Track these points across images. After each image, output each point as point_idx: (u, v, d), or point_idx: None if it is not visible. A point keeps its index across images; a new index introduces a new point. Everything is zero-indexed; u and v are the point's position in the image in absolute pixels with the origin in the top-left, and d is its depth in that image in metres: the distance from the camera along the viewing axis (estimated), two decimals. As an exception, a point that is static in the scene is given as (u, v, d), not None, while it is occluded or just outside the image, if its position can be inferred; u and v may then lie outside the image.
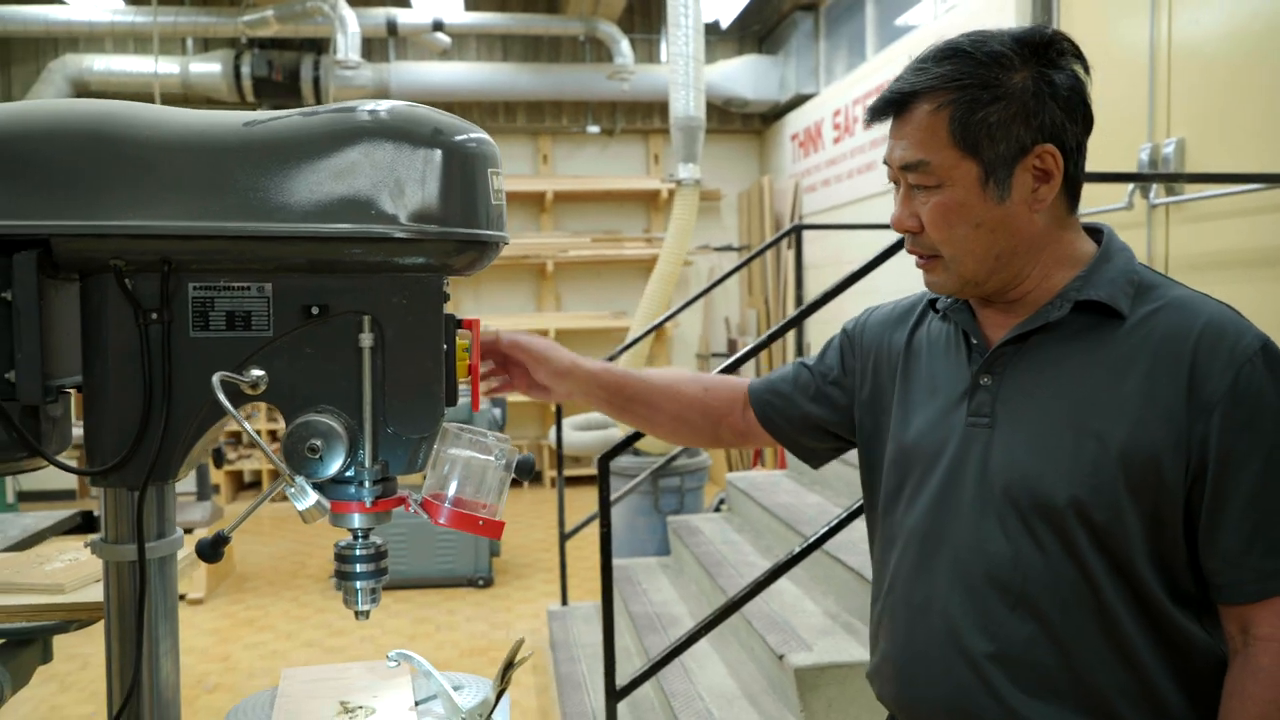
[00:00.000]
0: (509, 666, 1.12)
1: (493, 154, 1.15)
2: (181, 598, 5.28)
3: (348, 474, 1.11)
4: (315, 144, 1.06)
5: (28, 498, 7.05)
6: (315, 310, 1.10)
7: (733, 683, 2.97)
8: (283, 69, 7.66)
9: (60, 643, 2.09)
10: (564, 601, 4.55)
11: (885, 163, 1.17)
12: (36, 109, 1.05)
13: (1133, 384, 1.06)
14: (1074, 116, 1.10)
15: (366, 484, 1.12)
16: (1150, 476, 1.05)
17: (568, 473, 6.93)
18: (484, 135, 1.16)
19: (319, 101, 7.73)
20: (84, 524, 2.95)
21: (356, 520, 1.15)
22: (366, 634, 4.72)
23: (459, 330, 1.19)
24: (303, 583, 5.64)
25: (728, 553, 3.88)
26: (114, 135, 1.04)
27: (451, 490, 1.20)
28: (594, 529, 6.00)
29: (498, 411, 5.64)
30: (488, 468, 1.21)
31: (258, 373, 1.08)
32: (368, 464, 1.11)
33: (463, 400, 1.26)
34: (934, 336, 1.25)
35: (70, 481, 7.35)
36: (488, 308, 8.85)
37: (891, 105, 1.13)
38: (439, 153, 1.08)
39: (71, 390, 1.15)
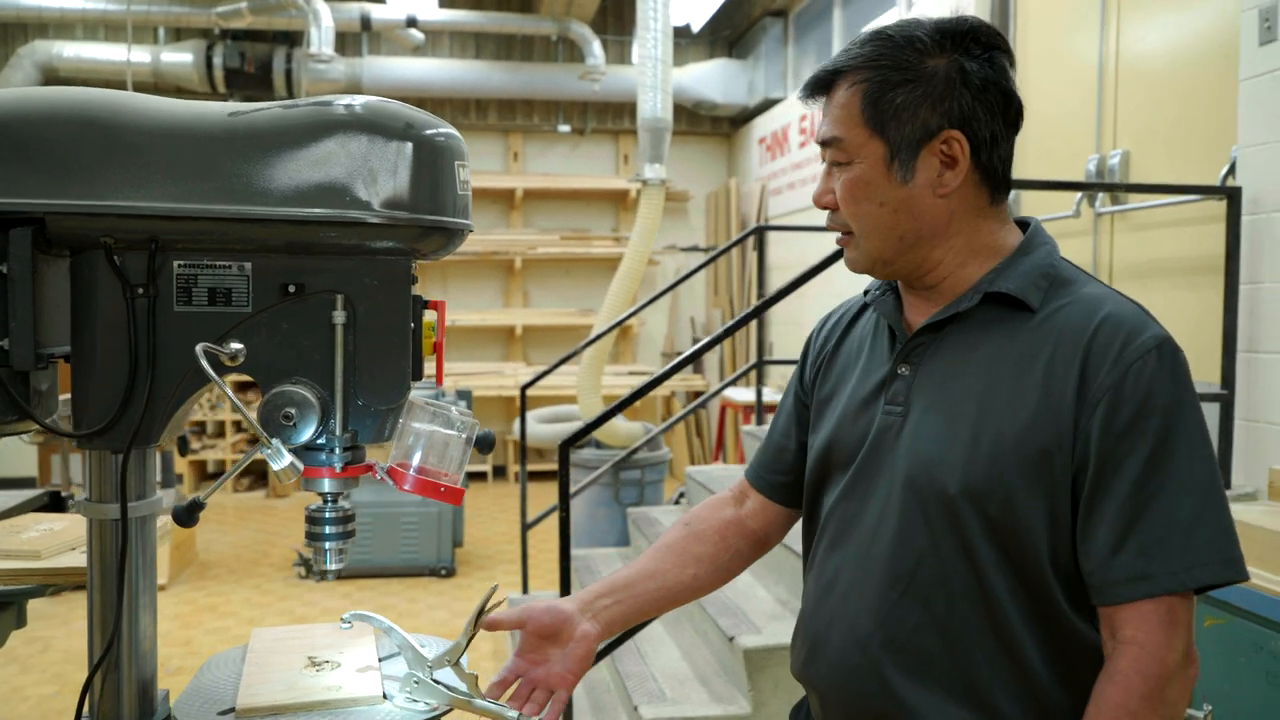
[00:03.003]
0: (480, 613, 1.20)
1: (459, 148, 1.25)
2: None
3: (319, 441, 1.19)
4: (295, 134, 1.14)
5: (-11, 484, 7.01)
6: (292, 289, 1.19)
7: (685, 665, 3.07)
8: (255, 61, 7.67)
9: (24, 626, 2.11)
10: (525, 590, 4.63)
11: (816, 141, 1.20)
12: (35, 95, 1.13)
13: (1033, 377, 1.06)
14: (989, 107, 1.10)
15: (337, 451, 1.21)
16: (1043, 471, 1.04)
17: (531, 466, 7.01)
18: (452, 130, 1.25)
19: (290, 94, 7.75)
20: (51, 504, 3.00)
21: (327, 485, 1.23)
22: (330, 621, 4.78)
23: (425, 310, 1.28)
24: (265, 571, 5.68)
25: (685, 543, 3.98)
26: (108, 122, 1.12)
27: (416, 460, 1.28)
28: (555, 520, 6.09)
29: (462, 404, 5.71)
30: (450, 440, 1.30)
31: (236, 346, 1.16)
32: (338, 432, 1.20)
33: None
34: (864, 329, 1.28)
35: (31, 468, 7.31)
36: (456, 303, 8.90)
37: (819, 84, 1.16)
38: (410, 145, 1.17)
39: (59, 359, 1.23)
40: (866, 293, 1.30)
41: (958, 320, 1.14)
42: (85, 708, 1.21)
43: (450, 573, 5.55)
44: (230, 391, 1.09)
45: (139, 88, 7.50)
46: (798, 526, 1.38)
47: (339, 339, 1.19)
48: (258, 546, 6.27)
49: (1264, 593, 2.17)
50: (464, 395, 5.95)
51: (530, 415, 6.60)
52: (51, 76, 7.58)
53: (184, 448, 2.53)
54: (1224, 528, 1.02)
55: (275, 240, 1.17)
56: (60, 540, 1.75)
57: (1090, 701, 1.04)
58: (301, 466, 1.13)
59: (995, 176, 1.14)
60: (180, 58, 7.67)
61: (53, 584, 1.66)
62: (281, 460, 1.10)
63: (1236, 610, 2.25)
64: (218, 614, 4.88)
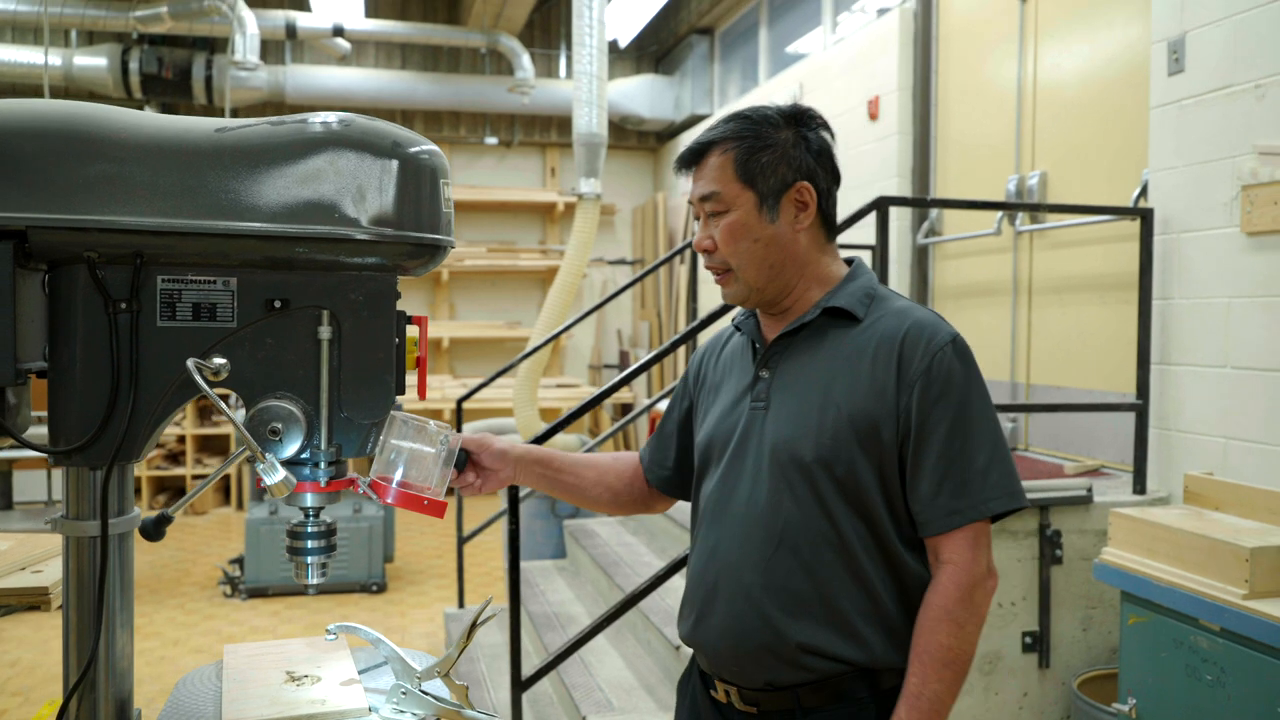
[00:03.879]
0: (474, 625, 1.22)
1: (443, 165, 1.27)
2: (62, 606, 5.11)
3: (303, 455, 1.20)
4: (283, 151, 1.15)
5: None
6: (277, 304, 1.19)
7: (630, 674, 3.10)
8: (173, 67, 7.49)
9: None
10: (460, 604, 4.60)
11: (689, 201, 1.49)
12: (18, 107, 1.11)
13: (862, 369, 1.37)
14: (825, 167, 1.45)
15: (322, 465, 1.21)
16: (874, 438, 1.35)
17: (462, 480, 6.95)
18: (435, 148, 1.27)
19: (210, 101, 7.58)
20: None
21: (309, 499, 1.23)
22: (259, 639, 4.67)
23: (408, 325, 1.30)
24: (188, 590, 5.53)
25: (624, 554, 4.02)
26: (93, 136, 1.11)
27: (398, 474, 1.30)
28: (487, 535, 6.05)
29: (394, 417, 5.65)
30: (429, 453, 1.32)
31: (220, 361, 1.16)
32: (323, 446, 1.21)
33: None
34: (733, 349, 1.57)
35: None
36: (381, 315, 8.78)
37: (692, 155, 1.46)
38: (396, 163, 1.19)
39: (32, 375, 1.21)
40: (734, 321, 1.58)
41: (803, 330, 1.45)
42: (63, 727, 1.19)
43: (381, 589, 5.48)
44: (224, 405, 1.10)
45: (52, 93, 7.24)
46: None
47: (324, 354, 1.20)
48: (179, 565, 6.09)
49: (1181, 590, 2.30)
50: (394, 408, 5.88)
51: (468, 427, 6.56)
52: (-46, 79, 7.28)
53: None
54: (1008, 471, 1.36)
55: (260, 256, 1.17)
56: (9, 560, 1.70)
57: (920, 609, 1.35)
58: (295, 481, 1.14)
59: (829, 221, 1.48)
60: (94, 61, 7.43)
61: (5, 604, 1.62)
62: (275, 475, 1.10)
63: (1157, 608, 2.39)
64: (141, 635, 4.73)
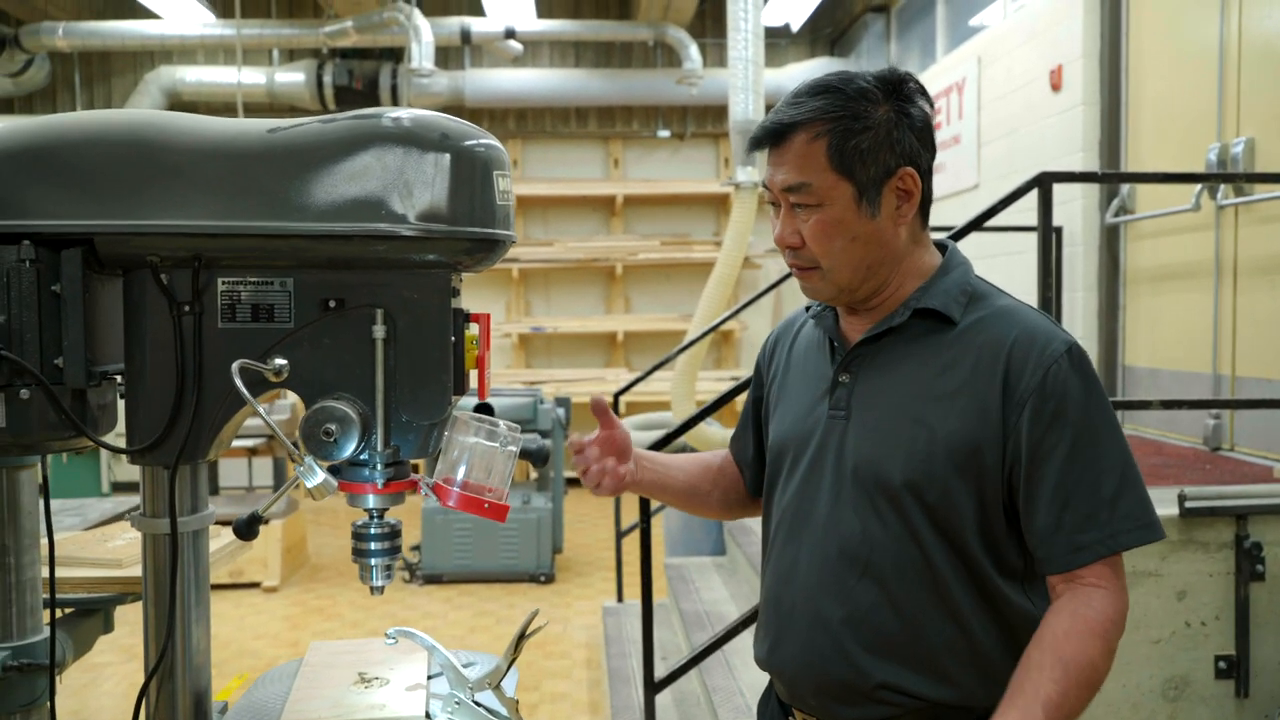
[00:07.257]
0: (522, 637, 1.18)
1: (499, 157, 1.22)
2: (256, 585, 5.51)
3: (362, 457, 1.18)
4: (331, 149, 1.14)
5: (121, 488, 7.39)
6: (332, 303, 1.18)
7: (774, 680, 2.99)
8: (362, 78, 7.92)
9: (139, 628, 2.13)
10: (619, 598, 4.61)
11: (765, 186, 1.29)
12: (80, 118, 1.15)
13: (959, 381, 1.21)
14: (926, 144, 1.26)
15: (379, 467, 1.20)
16: (973, 462, 1.20)
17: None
18: (492, 140, 1.23)
19: (396, 108, 7.96)
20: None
21: (370, 500, 1.22)
22: (429, 625, 4.85)
23: (468, 323, 1.26)
24: (372, 575, 5.82)
25: (779, 553, 3.90)
26: (151, 142, 1.14)
27: (460, 474, 1.27)
28: (653, 527, 6.06)
29: (561, 411, 5.74)
30: (495, 454, 1.28)
31: (280, 361, 1.16)
32: (380, 448, 1.19)
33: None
34: (808, 340, 1.40)
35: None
36: (558, 310, 8.99)
37: (771, 135, 1.25)
38: (447, 156, 1.15)
39: (118, 376, 1.25)
40: (808, 308, 1.43)
41: (890, 334, 1.28)
42: (141, 717, 1.23)
43: (549, 579, 5.58)
44: (263, 410, 1.09)
45: (255, 108, 7.82)
46: None
47: (379, 353, 1.18)
48: (366, 550, 6.43)
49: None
50: (562, 403, 5.98)
51: (627, 422, 6.59)
52: (175, 100, 7.98)
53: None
54: (1140, 498, 1.19)
55: (315, 255, 1.17)
56: (139, 550, 1.80)
57: (1066, 618, 1.16)
58: (335, 484, 1.12)
59: (926, 205, 1.29)
60: (293, 77, 7.96)
61: (132, 592, 1.71)
62: (314, 477, 1.09)
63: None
64: (324, 616, 5.02)
